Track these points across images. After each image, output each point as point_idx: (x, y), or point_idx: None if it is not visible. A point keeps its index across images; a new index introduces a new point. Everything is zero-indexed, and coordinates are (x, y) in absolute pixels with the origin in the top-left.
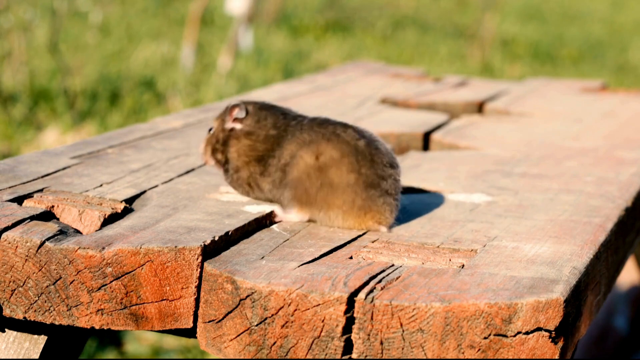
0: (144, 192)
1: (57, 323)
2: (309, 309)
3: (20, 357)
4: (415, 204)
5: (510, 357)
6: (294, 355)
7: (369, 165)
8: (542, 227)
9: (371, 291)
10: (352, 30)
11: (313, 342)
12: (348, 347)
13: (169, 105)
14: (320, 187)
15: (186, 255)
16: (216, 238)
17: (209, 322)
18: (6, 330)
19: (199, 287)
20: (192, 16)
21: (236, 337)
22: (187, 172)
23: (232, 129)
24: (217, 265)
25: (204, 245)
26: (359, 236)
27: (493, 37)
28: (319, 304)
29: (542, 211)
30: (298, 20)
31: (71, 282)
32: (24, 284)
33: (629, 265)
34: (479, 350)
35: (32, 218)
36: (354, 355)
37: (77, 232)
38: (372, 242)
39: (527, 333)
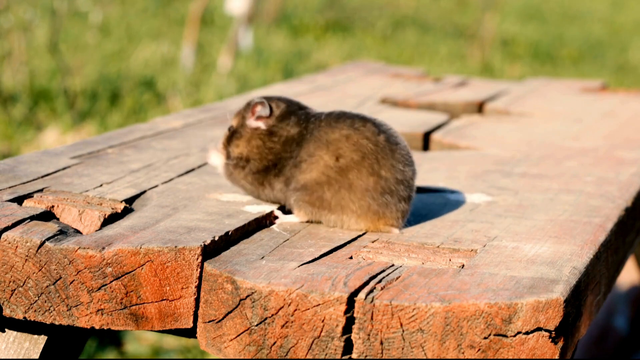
0: (144, 192)
1: (57, 323)
2: (309, 309)
3: (20, 357)
4: (415, 203)
5: (510, 357)
6: (294, 355)
7: (389, 166)
8: (542, 227)
9: (371, 291)
10: (352, 30)
11: (313, 342)
12: (348, 347)
13: (169, 105)
14: (338, 190)
15: (186, 255)
16: (216, 238)
17: (209, 322)
18: (6, 330)
19: (199, 287)
20: (192, 16)
21: (236, 337)
22: (187, 172)
23: (256, 128)
24: (217, 265)
25: (204, 245)
26: (359, 236)
27: (493, 37)
28: (319, 304)
29: (542, 211)
30: (298, 20)
31: (71, 282)
32: (24, 284)
33: (629, 265)
34: (479, 350)
35: (32, 218)
36: (354, 355)
37: (77, 232)
38: (372, 242)
39: (527, 333)
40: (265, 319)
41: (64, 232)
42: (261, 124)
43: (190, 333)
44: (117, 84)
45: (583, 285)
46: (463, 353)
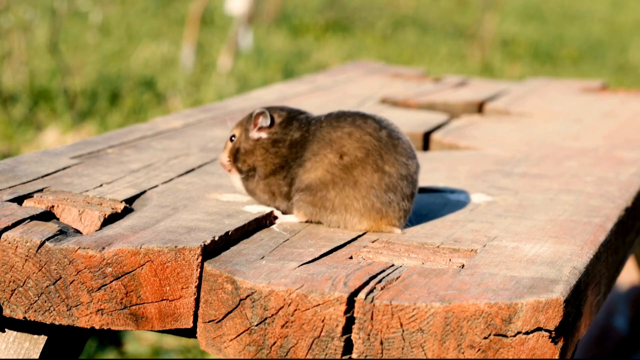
0: (144, 192)
1: (57, 323)
2: (309, 309)
3: (20, 357)
4: (416, 203)
5: (510, 357)
6: (294, 355)
7: (393, 161)
8: (542, 227)
9: (371, 291)
10: (352, 30)
11: (313, 342)
12: (348, 347)
13: (169, 105)
14: (343, 188)
15: (186, 255)
16: (216, 238)
17: (209, 322)
18: (6, 330)
19: (199, 287)
20: (192, 16)
21: (236, 337)
22: (187, 172)
23: (258, 139)
24: (217, 265)
25: (204, 245)
26: (359, 236)
27: (493, 37)
28: (319, 304)
29: (542, 211)
30: (298, 20)
31: (71, 282)
32: (24, 284)
33: (629, 265)
34: (479, 350)
35: (32, 218)
36: (354, 355)
37: (77, 232)
38: (372, 242)
39: (527, 333)
40: (265, 319)
41: (64, 232)
42: (263, 134)
43: (190, 333)
44: (117, 84)
45: (583, 285)
46: (463, 353)
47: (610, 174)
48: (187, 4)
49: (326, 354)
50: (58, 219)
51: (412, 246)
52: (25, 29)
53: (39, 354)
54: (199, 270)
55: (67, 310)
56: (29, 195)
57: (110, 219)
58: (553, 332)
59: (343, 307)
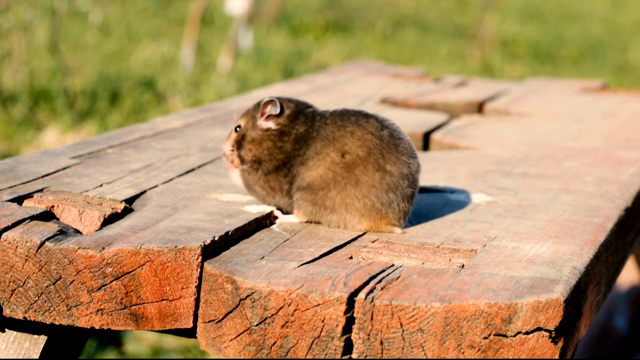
0: (144, 192)
1: (57, 323)
2: (309, 309)
3: (20, 357)
4: (416, 203)
5: (510, 357)
6: (294, 355)
7: (394, 160)
8: (542, 227)
9: (371, 291)
10: (352, 30)
11: (313, 342)
12: (348, 347)
13: (169, 105)
14: (344, 187)
15: (186, 255)
16: (216, 238)
17: (209, 322)
18: (6, 330)
19: (199, 287)
20: (192, 16)
21: (236, 337)
22: (187, 172)
23: (267, 129)
24: (217, 265)
25: (204, 245)
26: (359, 236)
27: (493, 37)
28: (319, 304)
29: (542, 211)
30: (298, 20)
31: (71, 282)
32: (24, 284)
33: (629, 265)
34: (479, 350)
35: (32, 218)
36: (354, 355)
37: (77, 232)
38: (372, 242)
39: (527, 333)
40: (265, 319)
41: (64, 232)
42: (271, 124)
43: (190, 333)
44: (117, 84)
45: (583, 285)
46: (463, 353)
47: (610, 174)
48: (187, 4)
49: (326, 354)
50: (58, 219)
51: (412, 246)
52: (25, 29)
53: (39, 354)
54: (199, 270)
55: (67, 310)
56: (29, 195)
57: (110, 219)
58: (553, 332)
59: (343, 307)
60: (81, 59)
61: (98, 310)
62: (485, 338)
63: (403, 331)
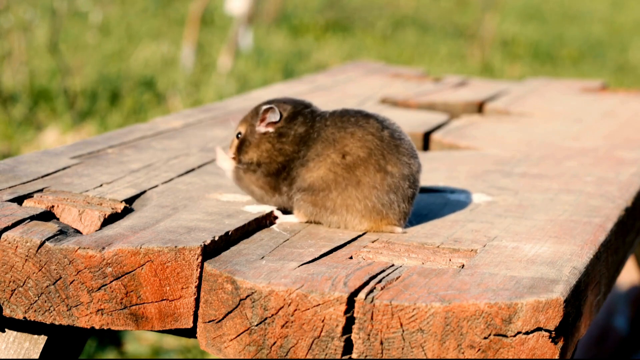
0: (144, 192)
1: (57, 323)
2: (309, 309)
3: (20, 357)
4: (415, 203)
5: (510, 357)
6: (294, 355)
7: (395, 160)
8: (542, 227)
9: (371, 291)
10: (352, 30)
11: (313, 342)
12: (348, 347)
13: (169, 105)
14: (345, 188)
15: (186, 255)
16: (216, 238)
17: (209, 322)
18: (6, 330)
19: (199, 287)
20: (192, 16)
21: (236, 337)
22: (187, 172)
23: (265, 132)
24: (217, 265)
25: (204, 245)
26: (359, 236)
27: (493, 37)
28: (319, 304)
29: (542, 211)
30: (298, 20)
31: (71, 282)
32: (24, 284)
33: (629, 265)
34: (479, 350)
35: (32, 218)
36: (354, 355)
37: (77, 232)
38: (372, 242)
39: (527, 333)
40: (265, 319)
41: (64, 232)
42: (270, 128)
43: (190, 333)
44: (117, 84)
45: (583, 285)
46: (463, 353)
47: (610, 174)
48: (187, 4)
49: (326, 354)
50: (58, 219)
51: (412, 246)
52: (25, 29)
53: (39, 354)
54: (199, 270)
55: (67, 310)
56: (29, 195)
57: (110, 219)
58: (553, 332)
59: (343, 307)
60: (81, 59)
61: (98, 310)
62: (485, 338)
63: (403, 331)
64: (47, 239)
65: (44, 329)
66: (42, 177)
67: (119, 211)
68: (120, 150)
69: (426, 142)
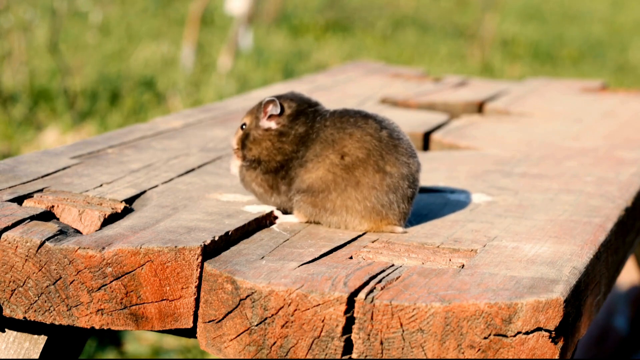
0: (144, 192)
1: (57, 323)
2: (309, 309)
3: (20, 357)
4: (415, 203)
5: (510, 357)
6: (294, 355)
7: (394, 160)
8: (542, 227)
9: (371, 291)
10: (352, 30)
11: (313, 342)
12: (348, 347)
13: (169, 105)
14: (345, 188)
15: (186, 255)
16: (216, 238)
17: (209, 322)
18: (6, 330)
19: (199, 287)
20: (192, 16)
21: (236, 337)
22: (187, 172)
23: (267, 129)
24: (217, 265)
25: (204, 245)
26: (359, 236)
27: (493, 37)
28: (319, 304)
29: (542, 211)
30: (298, 20)
31: (71, 282)
32: (24, 284)
33: (629, 265)
34: (479, 350)
35: (32, 218)
36: (354, 355)
37: (77, 232)
38: (372, 242)
39: (527, 333)
40: (265, 319)
41: (64, 232)
42: (273, 124)
43: (190, 333)
44: (117, 84)
45: (583, 285)
46: (463, 353)
47: (610, 174)
48: (187, 4)
49: (326, 354)
50: (58, 219)
51: (412, 246)
52: (25, 29)
53: (39, 354)
54: (199, 270)
55: (67, 310)
56: (29, 195)
57: (110, 219)
58: (553, 332)
59: (343, 307)
60: (81, 59)
61: (98, 310)
62: (485, 338)
63: (403, 331)
64: (47, 239)
65: (44, 329)
66: (42, 177)
67: (119, 211)
68: (120, 150)
69: (426, 142)
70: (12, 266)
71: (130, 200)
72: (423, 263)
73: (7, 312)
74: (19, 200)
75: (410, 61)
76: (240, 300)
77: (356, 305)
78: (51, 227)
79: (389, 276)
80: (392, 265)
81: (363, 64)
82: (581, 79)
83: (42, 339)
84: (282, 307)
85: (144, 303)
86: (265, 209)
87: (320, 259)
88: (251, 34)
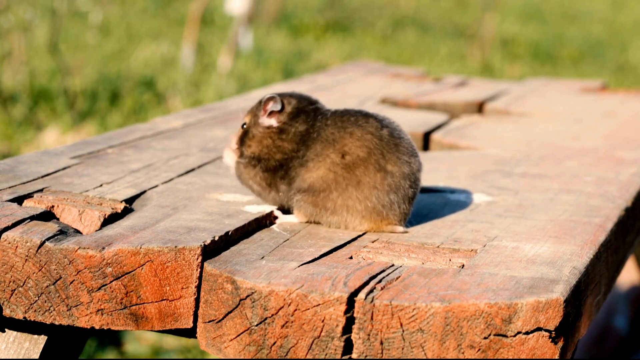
0: (144, 192)
1: (57, 323)
2: (309, 309)
3: (20, 357)
4: (416, 203)
5: (510, 357)
6: (294, 355)
7: (395, 159)
8: (542, 227)
9: (371, 291)
10: (352, 30)
11: (313, 342)
12: (348, 347)
13: (169, 105)
14: (346, 188)
15: (186, 255)
16: (216, 238)
17: (209, 322)
18: (6, 330)
19: (199, 287)
20: (192, 16)
21: (236, 337)
22: (187, 172)
23: (268, 126)
24: (217, 265)
25: (204, 245)
26: (359, 236)
27: (493, 37)
28: (319, 304)
29: (542, 211)
30: (298, 20)
31: (71, 282)
32: (24, 284)
33: (629, 265)
34: (479, 350)
35: (32, 218)
36: (354, 355)
37: (77, 232)
38: (372, 242)
39: (527, 333)
40: (265, 319)
41: (64, 232)
42: (273, 121)
43: (190, 333)
44: (117, 84)
45: (583, 285)
46: (463, 353)
47: (610, 174)
48: (187, 4)
49: (326, 354)
50: (58, 219)
51: (412, 246)
52: (25, 29)
53: (39, 354)
54: (199, 270)
55: (67, 310)
56: (29, 195)
57: (110, 219)
58: (553, 332)
59: (343, 307)
60: (81, 59)
61: (98, 310)
62: (485, 338)
63: (403, 331)
64: (47, 239)
65: (44, 329)
66: (42, 177)
67: (119, 211)
68: (120, 150)
69: (426, 142)
70: (12, 266)
71: (130, 200)
72: (423, 263)
73: (7, 312)
74: (19, 200)
75: (410, 61)
76: (240, 300)
77: (356, 305)
78: (51, 227)
79: (389, 276)
80: (392, 265)
81: (363, 64)
82: (581, 79)
83: (42, 339)
84: (282, 307)
85: (144, 303)
86: (265, 209)
87: (320, 259)
88: (251, 34)
